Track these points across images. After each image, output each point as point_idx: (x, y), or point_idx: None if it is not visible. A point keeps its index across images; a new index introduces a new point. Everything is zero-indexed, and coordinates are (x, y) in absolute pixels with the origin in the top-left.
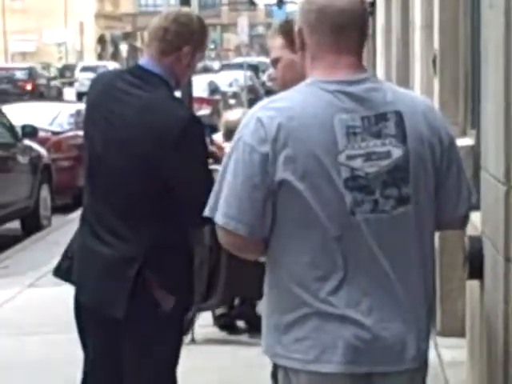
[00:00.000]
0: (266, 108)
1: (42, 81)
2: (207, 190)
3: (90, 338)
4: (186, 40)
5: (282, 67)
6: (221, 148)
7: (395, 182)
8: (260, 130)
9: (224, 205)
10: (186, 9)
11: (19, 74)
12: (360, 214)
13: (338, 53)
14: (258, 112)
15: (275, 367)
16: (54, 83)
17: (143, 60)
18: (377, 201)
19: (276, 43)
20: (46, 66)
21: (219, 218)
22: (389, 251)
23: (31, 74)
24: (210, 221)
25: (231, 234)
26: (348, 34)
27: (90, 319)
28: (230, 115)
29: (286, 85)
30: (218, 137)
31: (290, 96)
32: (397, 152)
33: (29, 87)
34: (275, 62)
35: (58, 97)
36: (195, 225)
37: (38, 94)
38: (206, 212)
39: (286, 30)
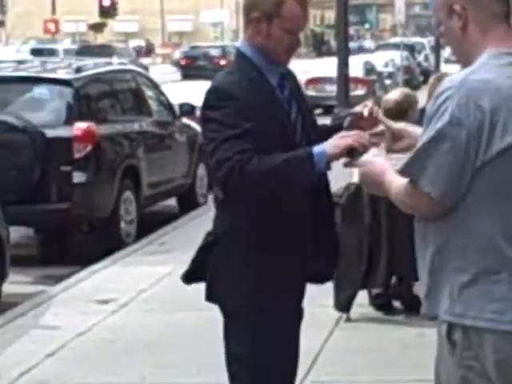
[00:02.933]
0: (469, 81)
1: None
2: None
3: None
4: (254, 7)
5: None
6: None
7: None
8: (470, 104)
9: (426, 171)
10: None
11: (214, 52)
12: None
13: (505, 22)
14: (464, 85)
15: (450, 329)
16: None
17: None
18: None
19: None
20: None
21: (420, 181)
22: None
23: (224, 51)
24: None
25: (424, 197)
26: (509, 3)
27: None
28: (389, 94)
29: None
30: None
31: (485, 69)
32: None
33: (222, 63)
34: None
35: None
36: None
37: None
38: (402, 169)
39: None
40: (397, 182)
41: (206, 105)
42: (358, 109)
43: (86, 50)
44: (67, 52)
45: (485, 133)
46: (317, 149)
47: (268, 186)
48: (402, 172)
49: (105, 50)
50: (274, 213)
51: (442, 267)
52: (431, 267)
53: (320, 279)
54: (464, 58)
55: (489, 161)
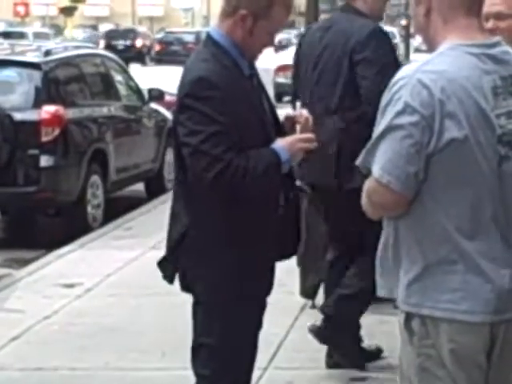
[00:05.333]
0: (423, 71)
1: None
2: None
3: None
4: (242, 3)
5: None
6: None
7: None
8: (423, 92)
9: (382, 160)
10: None
11: (187, 38)
12: (506, 167)
13: (470, 15)
14: (417, 74)
15: (407, 318)
16: None
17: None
18: None
19: None
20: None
21: (376, 171)
22: None
23: (198, 37)
24: None
25: (383, 188)
26: None
27: None
28: None
29: None
30: None
31: (440, 59)
32: None
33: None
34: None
35: None
36: None
37: None
38: (360, 162)
39: None
40: (364, 187)
41: (190, 94)
42: (292, 114)
43: (113, 34)
44: (37, 35)
45: (437, 122)
46: (284, 156)
47: (251, 185)
48: (360, 164)
49: (129, 34)
50: (244, 204)
51: (399, 258)
52: (391, 255)
53: (285, 257)
54: (429, 45)
55: (440, 149)
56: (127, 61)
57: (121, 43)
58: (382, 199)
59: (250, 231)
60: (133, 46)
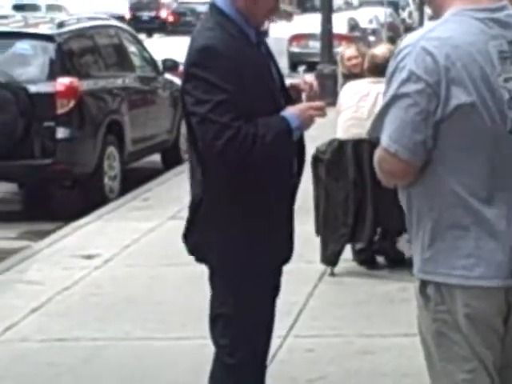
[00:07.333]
0: (427, 38)
1: None
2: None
3: None
4: None
5: None
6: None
7: None
8: (427, 60)
9: (390, 129)
10: None
11: (201, 8)
12: None
13: None
14: (421, 42)
15: (423, 284)
16: None
17: None
18: None
19: None
20: None
21: (384, 140)
22: None
23: None
24: None
25: (392, 157)
26: None
27: None
28: (376, 50)
29: None
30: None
31: (445, 26)
32: None
33: None
34: None
35: None
36: None
37: None
38: (369, 131)
39: None
40: (375, 155)
41: (196, 63)
42: (296, 82)
43: (137, 5)
44: (50, 8)
45: (443, 88)
46: (294, 123)
47: (261, 152)
48: (369, 133)
49: (153, 4)
50: (256, 171)
51: (412, 227)
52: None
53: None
54: (436, 13)
55: (448, 116)
56: (151, 31)
57: (145, 14)
58: (392, 167)
59: (262, 199)
60: (157, 16)
